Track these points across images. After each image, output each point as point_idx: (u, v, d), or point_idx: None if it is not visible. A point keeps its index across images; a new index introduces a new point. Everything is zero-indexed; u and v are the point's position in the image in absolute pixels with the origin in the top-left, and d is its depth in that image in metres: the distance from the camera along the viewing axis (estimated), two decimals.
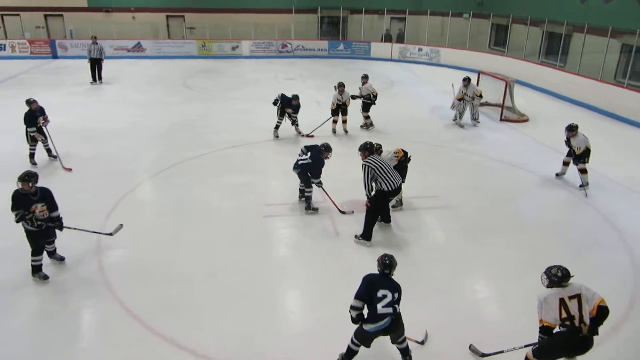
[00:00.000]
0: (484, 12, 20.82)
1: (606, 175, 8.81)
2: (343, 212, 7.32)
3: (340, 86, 10.70)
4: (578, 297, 3.89)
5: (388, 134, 11.16)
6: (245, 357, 4.57)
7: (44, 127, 8.89)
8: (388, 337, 4.31)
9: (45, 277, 5.62)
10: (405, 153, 7.19)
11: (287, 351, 4.65)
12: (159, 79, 17.04)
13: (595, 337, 3.96)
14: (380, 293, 4.10)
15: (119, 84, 16.19)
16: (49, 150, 9.12)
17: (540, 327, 4.00)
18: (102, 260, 6.00)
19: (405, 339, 4.36)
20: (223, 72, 18.87)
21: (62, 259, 5.96)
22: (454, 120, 12.07)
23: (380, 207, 6.59)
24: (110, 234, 6.11)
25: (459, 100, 11.78)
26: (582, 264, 6.02)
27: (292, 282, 5.82)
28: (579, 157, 8.12)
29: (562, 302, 3.88)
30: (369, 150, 6.54)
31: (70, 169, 8.74)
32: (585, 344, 3.91)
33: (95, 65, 16.05)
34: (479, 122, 12.08)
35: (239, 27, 22.35)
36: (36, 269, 5.60)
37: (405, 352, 4.41)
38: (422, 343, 4.79)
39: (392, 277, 4.26)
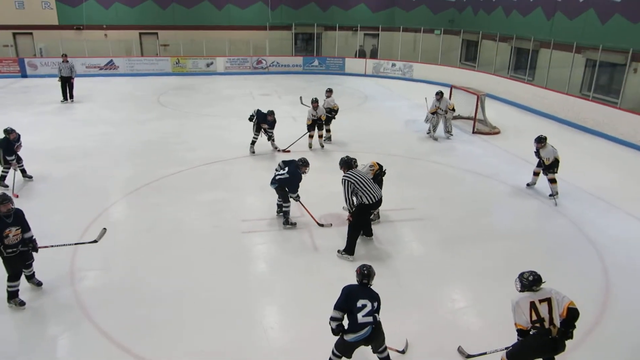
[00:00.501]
0: (455, 29, 21.37)
1: (575, 184, 9.06)
2: (321, 225, 7.34)
3: (315, 102, 10.78)
4: (548, 300, 4.06)
5: (364, 148, 11.25)
6: None
7: (18, 152, 8.73)
8: (369, 347, 4.33)
9: (22, 304, 5.40)
10: (381, 166, 7.28)
11: None
12: (132, 97, 16.88)
13: (568, 341, 4.05)
14: (359, 303, 4.16)
15: (91, 102, 15.95)
16: (23, 171, 8.94)
17: (517, 330, 4.13)
18: (76, 284, 5.85)
19: (386, 348, 4.40)
20: (197, 88, 18.80)
21: (39, 283, 5.76)
22: (427, 133, 12.27)
23: (362, 220, 6.62)
24: (95, 241, 5.95)
25: (432, 114, 12.00)
26: (555, 271, 6.16)
27: (271, 297, 5.77)
28: (549, 167, 8.33)
29: (532, 305, 4.05)
30: (347, 165, 6.60)
31: (17, 196, 8.18)
32: (555, 346, 4.05)
33: (66, 83, 15.86)
34: (452, 134, 12.31)
35: (214, 43, 22.36)
36: (12, 295, 5.38)
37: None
38: (402, 352, 4.81)
39: (371, 286, 4.32)
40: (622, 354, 4.87)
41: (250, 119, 10.53)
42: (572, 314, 4.02)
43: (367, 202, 6.35)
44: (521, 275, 4.25)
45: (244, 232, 7.20)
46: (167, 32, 22.97)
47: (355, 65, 22.48)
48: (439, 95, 11.87)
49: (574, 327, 4.04)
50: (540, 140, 8.40)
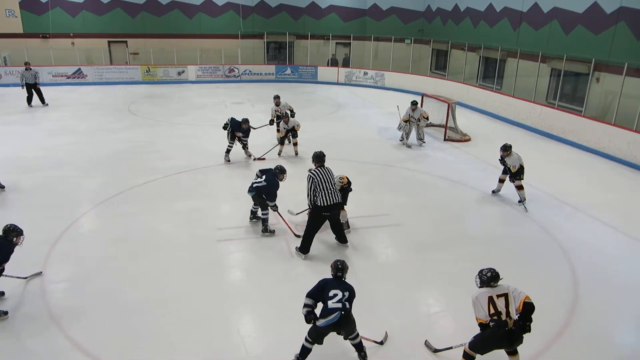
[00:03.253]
0: (425, 38, 21.79)
1: (542, 189, 9.33)
2: (298, 236, 7.22)
3: (285, 117, 10.96)
4: (505, 295, 4.38)
5: (337, 156, 11.32)
6: None
7: None
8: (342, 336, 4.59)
9: (5, 313, 5.31)
10: (349, 182, 7.34)
11: None
12: (102, 106, 16.55)
13: (539, 343, 4.20)
14: (331, 292, 4.54)
15: (59, 111, 15.59)
16: None
17: (478, 325, 4.39)
18: (47, 297, 5.69)
19: (357, 335, 4.65)
20: (169, 97, 18.60)
21: (2, 293, 5.61)
22: (400, 140, 12.45)
23: (315, 221, 6.66)
24: (25, 278, 5.90)
25: (405, 122, 12.18)
26: (525, 274, 6.34)
27: (248, 305, 5.74)
28: (515, 175, 8.55)
29: (490, 299, 4.37)
30: (318, 159, 6.70)
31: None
32: (512, 337, 4.34)
33: (32, 90, 15.82)
34: (424, 142, 12.52)
35: (185, 52, 22.19)
36: None
37: (360, 348, 4.71)
38: (381, 343, 5.01)
39: (344, 279, 4.69)
40: (592, 354, 5.02)
41: (225, 128, 10.50)
42: (527, 308, 4.32)
43: (319, 204, 6.46)
44: (480, 272, 4.57)
45: (220, 240, 7.15)
46: (136, 41, 22.67)
47: (328, 74, 22.65)
48: (414, 105, 12.11)
49: (531, 320, 4.32)
50: (506, 149, 8.61)
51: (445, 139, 12.98)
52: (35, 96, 16.14)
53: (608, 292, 6.08)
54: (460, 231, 7.74)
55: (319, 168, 6.64)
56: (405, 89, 19.85)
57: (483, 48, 17.86)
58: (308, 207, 6.94)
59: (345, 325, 4.49)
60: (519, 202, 8.64)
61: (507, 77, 16.78)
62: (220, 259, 6.70)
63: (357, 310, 4.64)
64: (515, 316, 4.33)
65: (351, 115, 16.02)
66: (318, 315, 4.49)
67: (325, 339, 4.62)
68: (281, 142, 11.18)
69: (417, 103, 12.26)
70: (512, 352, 4.52)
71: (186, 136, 12.83)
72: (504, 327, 4.27)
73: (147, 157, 10.90)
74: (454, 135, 13.15)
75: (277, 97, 11.74)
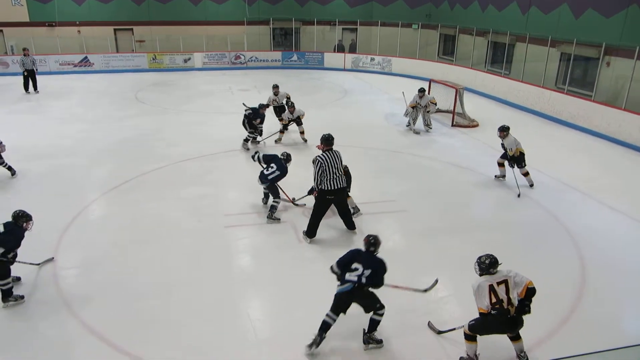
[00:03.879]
0: (432, 23, 21.55)
1: (550, 175, 9.27)
2: (296, 205, 7.75)
3: (291, 107, 10.90)
4: (505, 282, 4.34)
5: (344, 142, 11.30)
6: None
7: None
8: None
9: (21, 297, 5.42)
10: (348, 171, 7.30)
11: (254, 358, 4.61)
12: (109, 94, 16.60)
13: (546, 328, 4.20)
14: (354, 265, 4.66)
15: (67, 100, 15.65)
16: (10, 168, 8.88)
17: (479, 314, 4.42)
18: (59, 282, 5.77)
19: (376, 311, 4.73)
20: (175, 84, 18.60)
21: (18, 278, 5.72)
22: (407, 126, 12.40)
23: (320, 205, 6.68)
24: (38, 264, 6.01)
25: (412, 108, 12.12)
26: (532, 259, 6.34)
27: (256, 290, 5.79)
28: (515, 161, 8.54)
29: (491, 288, 4.31)
30: (327, 142, 6.66)
31: None
32: (514, 323, 4.39)
33: (29, 76, 16.31)
34: (431, 128, 12.46)
35: (191, 39, 22.13)
36: (7, 293, 5.35)
37: (372, 326, 4.80)
38: (425, 291, 5.27)
39: (376, 254, 4.75)
40: (599, 339, 5.01)
41: (244, 123, 10.57)
42: (530, 293, 4.33)
43: (324, 188, 6.49)
44: (479, 260, 4.50)
45: (227, 226, 7.19)
46: (142, 28, 22.62)
47: (334, 60, 22.51)
48: (422, 92, 12.06)
49: (531, 301, 4.33)
50: (503, 129, 8.60)
51: (452, 125, 12.90)
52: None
53: (616, 278, 6.06)
54: (468, 217, 7.73)
55: (327, 152, 6.61)
56: (412, 75, 19.70)
57: (491, 33, 17.64)
58: (307, 194, 7.06)
59: (361, 298, 4.66)
60: (531, 186, 8.61)
61: (515, 62, 16.59)
62: (229, 245, 6.74)
63: None
64: (516, 302, 4.33)
65: (358, 102, 15.94)
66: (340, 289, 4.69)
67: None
68: (283, 129, 11.19)
69: (424, 90, 12.19)
70: (515, 337, 4.52)
71: (193, 123, 12.84)
72: (506, 316, 4.29)
73: (154, 145, 10.94)
74: (461, 121, 13.07)
75: (275, 87, 11.81)
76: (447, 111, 13.67)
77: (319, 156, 6.59)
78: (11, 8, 21.27)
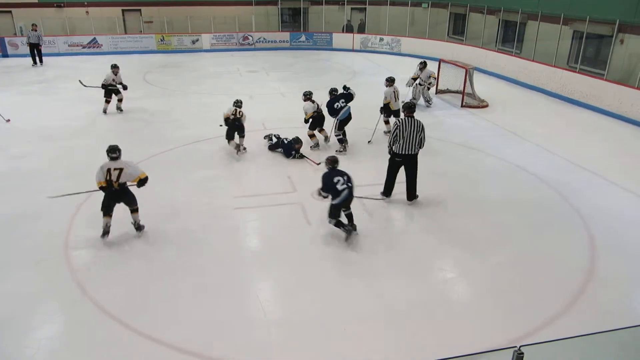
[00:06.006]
0: (442, 2, 21.21)
1: (561, 155, 9.20)
2: (318, 164, 8.41)
3: (308, 95, 9.54)
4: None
5: (353, 124, 11.28)
6: (224, 347, 4.59)
7: None
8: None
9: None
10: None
11: (263, 339, 4.69)
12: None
13: (555, 309, 4.20)
14: (335, 179, 6.12)
15: (75, 81, 15.67)
16: None
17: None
18: (72, 262, 5.87)
19: (349, 207, 6.32)
20: (184, 66, 18.56)
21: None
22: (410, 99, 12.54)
23: (392, 166, 7.24)
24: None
25: (413, 80, 12.46)
26: (542, 240, 6.35)
27: (265, 271, 5.84)
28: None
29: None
30: (410, 109, 7.03)
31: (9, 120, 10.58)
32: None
33: (34, 49, 18.20)
34: (430, 103, 12.73)
35: (199, 20, 22.01)
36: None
37: (351, 218, 6.38)
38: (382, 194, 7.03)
39: (339, 168, 6.24)
40: (608, 320, 5.02)
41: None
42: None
43: (396, 151, 7.01)
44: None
45: (237, 208, 7.24)
46: (150, 9, 22.54)
47: (343, 41, 22.30)
48: (422, 64, 12.40)
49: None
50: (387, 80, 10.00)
51: (462, 106, 12.79)
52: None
53: (627, 259, 6.04)
54: (477, 198, 7.70)
55: (407, 117, 6.93)
56: (421, 55, 19.42)
57: (502, 11, 17.33)
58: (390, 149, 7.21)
59: (350, 200, 6.18)
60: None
61: (527, 41, 16.32)
62: (238, 227, 6.80)
63: (375, 275, 4.68)
64: None
65: (366, 83, 15.81)
66: (333, 198, 6.11)
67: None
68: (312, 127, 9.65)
69: (425, 63, 12.53)
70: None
71: (202, 105, 12.85)
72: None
73: (164, 127, 10.98)
74: (471, 102, 12.95)
75: (115, 67, 11.91)
76: (456, 92, 13.54)
77: (398, 119, 7.01)
78: None
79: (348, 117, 9.30)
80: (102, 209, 6.20)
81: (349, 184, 6.10)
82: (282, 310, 5.15)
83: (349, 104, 9.24)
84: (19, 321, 4.91)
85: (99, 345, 4.61)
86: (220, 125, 9.48)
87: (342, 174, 6.16)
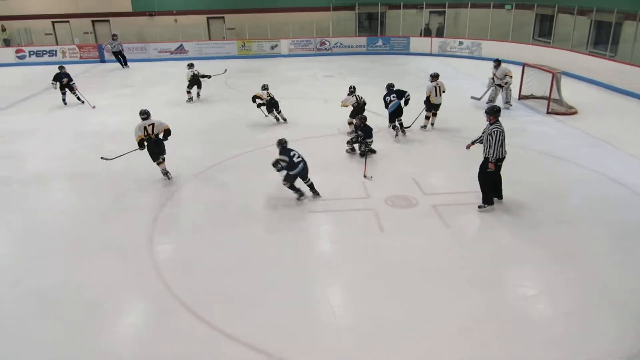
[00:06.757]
0: (528, 3, 20.24)
1: None
2: (367, 178, 8.34)
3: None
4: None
5: (428, 128, 11.05)
6: (293, 349, 4.63)
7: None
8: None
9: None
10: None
11: (333, 344, 4.69)
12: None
13: None
14: (291, 153, 7.23)
15: (163, 85, 16.67)
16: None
17: None
18: (154, 256, 6.21)
19: (309, 179, 7.52)
20: (263, 71, 19.10)
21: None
22: (487, 102, 12.37)
23: (496, 172, 7.04)
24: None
25: (492, 80, 12.36)
26: (629, 259, 5.84)
27: (337, 276, 5.83)
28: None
29: None
30: (496, 113, 6.91)
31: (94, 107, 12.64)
32: None
33: (118, 55, 20.20)
34: (511, 105, 12.42)
35: (278, 26, 22.60)
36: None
37: (313, 187, 7.56)
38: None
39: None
40: None
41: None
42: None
43: (500, 156, 6.86)
44: None
45: (311, 211, 7.31)
46: (233, 16, 23.47)
47: (421, 45, 21.93)
48: (497, 62, 12.38)
49: None
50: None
51: (548, 112, 12.10)
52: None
53: None
54: (560, 210, 7.21)
55: (498, 122, 6.87)
56: (504, 59, 18.50)
57: (595, 11, 16.22)
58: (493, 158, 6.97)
59: (307, 172, 7.38)
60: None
61: (623, 43, 15.17)
62: (311, 230, 6.87)
63: (450, 286, 4.52)
64: None
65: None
66: (289, 169, 7.21)
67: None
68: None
69: (499, 61, 12.42)
70: None
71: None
72: None
73: (243, 129, 11.36)
74: (558, 108, 12.21)
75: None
76: (541, 97, 12.84)
77: (498, 127, 6.82)
78: None
79: (397, 111, 10.31)
80: (152, 158, 8.32)
81: (302, 158, 7.28)
82: (354, 316, 5.12)
83: (399, 100, 10.29)
84: (107, 308, 5.26)
85: (175, 335, 4.83)
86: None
87: (293, 150, 7.32)
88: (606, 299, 5.19)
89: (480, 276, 5.68)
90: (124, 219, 7.18)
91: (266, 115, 11.97)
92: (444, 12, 22.53)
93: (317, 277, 5.79)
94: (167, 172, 8.50)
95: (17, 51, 21.79)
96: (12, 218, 7.40)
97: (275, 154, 7.44)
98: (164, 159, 8.47)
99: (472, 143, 7.37)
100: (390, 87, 10.67)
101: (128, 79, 17.65)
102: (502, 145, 6.85)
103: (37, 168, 9.30)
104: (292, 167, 7.19)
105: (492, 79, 12.39)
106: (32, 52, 21.80)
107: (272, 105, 11.61)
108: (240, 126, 11.64)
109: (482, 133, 7.14)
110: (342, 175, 8.55)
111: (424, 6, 22.35)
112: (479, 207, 7.14)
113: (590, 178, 8.32)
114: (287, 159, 7.17)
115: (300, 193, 7.50)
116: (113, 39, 20.30)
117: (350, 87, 10.81)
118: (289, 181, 7.35)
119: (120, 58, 20.24)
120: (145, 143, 8.17)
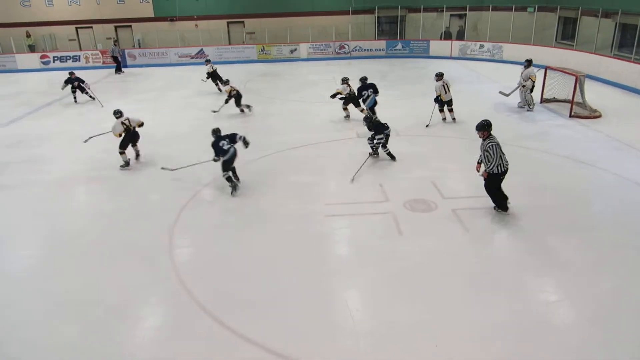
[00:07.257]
0: (550, 5, 19.95)
1: None
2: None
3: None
4: None
5: (448, 133, 10.94)
6: (311, 353, 4.61)
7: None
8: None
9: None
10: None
11: (351, 348, 4.65)
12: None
13: None
14: (221, 143, 8.01)
15: (184, 89, 16.87)
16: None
17: None
18: (175, 259, 6.26)
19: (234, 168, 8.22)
20: (282, 75, 19.19)
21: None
22: (521, 106, 12.74)
23: (497, 182, 6.93)
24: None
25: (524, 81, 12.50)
26: None
27: (355, 280, 5.80)
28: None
29: None
30: (489, 127, 6.82)
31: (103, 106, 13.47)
32: None
33: (117, 60, 20.67)
34: (531, 107, 12.53)
35: (297, 30, 22.70)
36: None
37: (235, 172, 8.27)
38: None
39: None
40: None
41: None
42: None
43: (501, 170, 6.75)
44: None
45: (328, 215, 7.29)
46: (252, 20, 23.66)
47: (440, 48, 21.79)
48: (526, 62, 12.56)
49: None
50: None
51: (570, 116, 11.88)
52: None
53: None
54: (583, 216, 7.07)
55: (491, 135, 6.82)
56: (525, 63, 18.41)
57: (620, 13, 15.90)
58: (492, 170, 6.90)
59: (235, 159, 8.06)
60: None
61: None
62: (329, 234, 6.84)
63: (470, 292, 4.46)
64: None
65: (463, 91, 15.23)
66: (222, 156, 7.89)
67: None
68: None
69: (530, 62, 12.55)
70: None
71: (298, 112, 13.18)
72: None
73: (261, 133, 11.40)
74: (581, 112, 11.98)
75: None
76: (564, 100, 12.62)
77: (491, 140, 6.74)
78: (139, 5, 23.36)
79: (375, 104, 11.31)
80: (120, 148, 9.28)
81: (232, 144, 8.01)
82: (372, 321, 5.08)
83: (375, 95, 11.32)
84: (129, 311, 5.32)
85: (195, 338, 4.85)
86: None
87: (225, 137, 8.08)
88: (630, 307, 5.05)
89: (501, 281, 5.59)
90: (145, 222, 7.27)
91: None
92: (465, 15, 22.35)
93: (336, 280, 5.76)
94: (139, 154, 9.89)
95: (42, 57, 22.31)
96: (38, 222, 7.55)
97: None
98: (135, 143, 9.76)
99: (479, 163, 7.14)
100: (364, 80, 11.50)
101: (149, 84, 17.90)
102: (502, 157, 6.76)
103: (61, 172, 9.47)
104: (223, 154, 7.91)
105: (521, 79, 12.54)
106: (56, 58, 22.30)
107: (238, 97, 12.87)
108: (259, 130, 11.69)
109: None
110: (360, 179, 8.52)
111: (445, 9, 22.21)
112: (494, 208, 7.17)
113: (614, 183, 8.13)
114: (217, 157, 8.04)
115: (234, 186, 8.07)
116: (115, 44, 21.34)
117: (342, 79, 11.88)
118: (226, 170, 8.01)
119: (115, 64, 20.88)
120: (123, 134, 9.34)
